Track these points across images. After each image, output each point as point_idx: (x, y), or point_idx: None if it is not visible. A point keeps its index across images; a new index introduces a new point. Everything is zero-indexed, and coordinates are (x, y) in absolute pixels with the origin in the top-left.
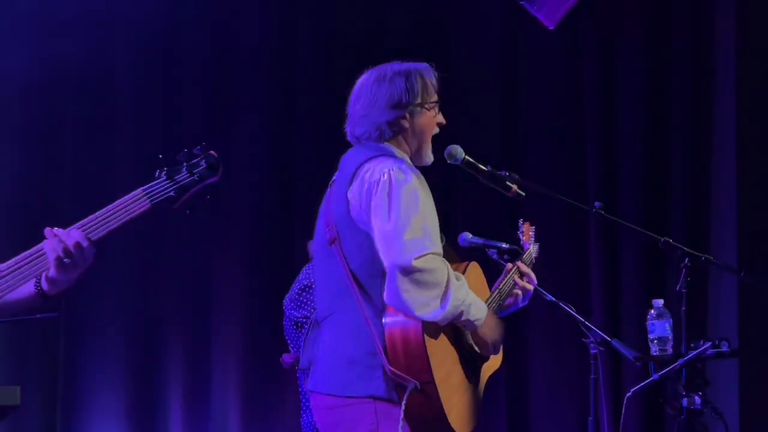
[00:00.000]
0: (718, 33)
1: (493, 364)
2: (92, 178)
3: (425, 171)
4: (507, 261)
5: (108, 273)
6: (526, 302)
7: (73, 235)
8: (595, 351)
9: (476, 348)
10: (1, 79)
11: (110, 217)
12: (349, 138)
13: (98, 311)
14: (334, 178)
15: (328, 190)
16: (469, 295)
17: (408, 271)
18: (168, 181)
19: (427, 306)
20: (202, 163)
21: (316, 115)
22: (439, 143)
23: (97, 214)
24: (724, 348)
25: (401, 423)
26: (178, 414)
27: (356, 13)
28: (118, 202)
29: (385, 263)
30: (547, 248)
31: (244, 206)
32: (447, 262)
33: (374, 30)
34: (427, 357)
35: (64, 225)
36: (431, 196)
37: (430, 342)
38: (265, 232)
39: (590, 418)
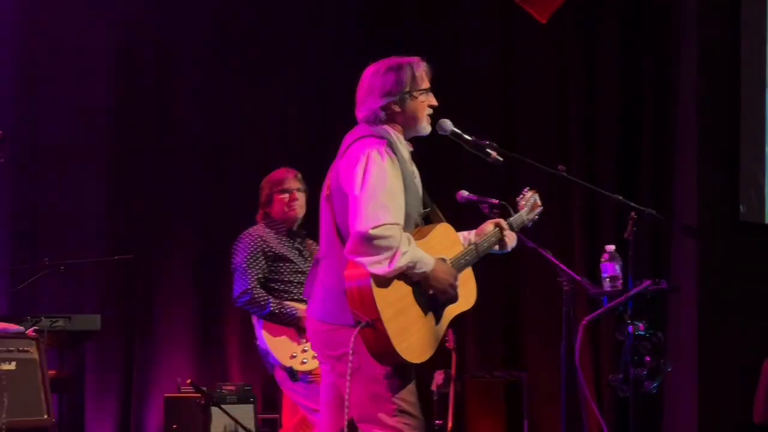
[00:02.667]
0: (682, 25)
1: (461, 305)
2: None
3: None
4: (496, 215)
5: (177, 217)
6: (506, 252)
7: None
8: (567, 288)
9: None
10: None
11: None
12: (357, 119)
13: (169, 252)
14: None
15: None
16: (415, 255)
17: (365, 237)
18: None
19: (378, 264)
20: None
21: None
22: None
23: None
24: (663, 285)
25: (352, 349)
26: (235, 344)
27: (376, 11)
28: None
29: (350, 226)
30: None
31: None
32: (401, 230)
33: (394, 28)
34: (374, 299)
35: None
36: (399, 176)
37: (378, 287)
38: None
39: (563, 343)
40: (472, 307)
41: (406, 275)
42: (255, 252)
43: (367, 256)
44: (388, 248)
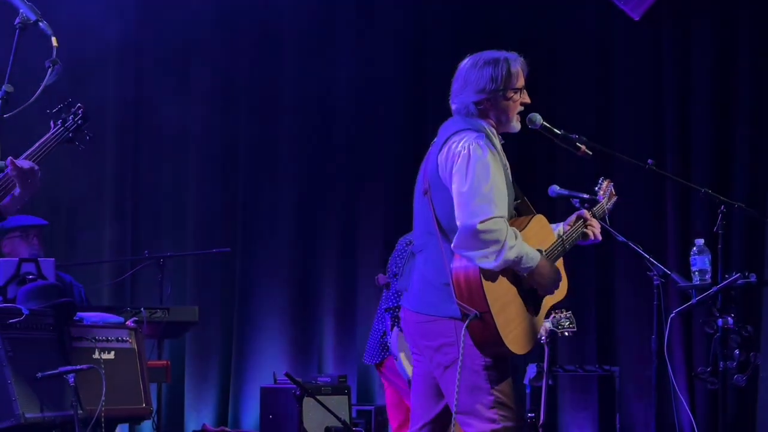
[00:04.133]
0: None
1: (555, 296)
2: None
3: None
4: (588, 209)
5: (276, 211)
6: (593, 243)
7: (26, 163)
8: (657, 282)
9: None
10: None
11: (40, 150)
12: (451, 109)
13: (267, 246)
14: (434, 140)
15: (429, 149)
16: (522, 249)
17: (474, 230)
18: (63, 129)
19: (485, 258)
20: (80, 113)
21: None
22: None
23: (33, 148)
24: (752, 279)
25: (463, 342)
26: (331, 336)
27: (477, 11)
28: (42, 140)
29: (458, 220)
30: (634, 201)
31: (384, 158)
32: (507, 223)
33: (490, 25)
34: (484, 293)
35: None
36: (501, 168)
37: (486, 281)
38: (405, 179)
39: (653, 336)
40: (565, 301)
41: (510, 269)
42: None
43: (475, 250)
44: (495, 242)
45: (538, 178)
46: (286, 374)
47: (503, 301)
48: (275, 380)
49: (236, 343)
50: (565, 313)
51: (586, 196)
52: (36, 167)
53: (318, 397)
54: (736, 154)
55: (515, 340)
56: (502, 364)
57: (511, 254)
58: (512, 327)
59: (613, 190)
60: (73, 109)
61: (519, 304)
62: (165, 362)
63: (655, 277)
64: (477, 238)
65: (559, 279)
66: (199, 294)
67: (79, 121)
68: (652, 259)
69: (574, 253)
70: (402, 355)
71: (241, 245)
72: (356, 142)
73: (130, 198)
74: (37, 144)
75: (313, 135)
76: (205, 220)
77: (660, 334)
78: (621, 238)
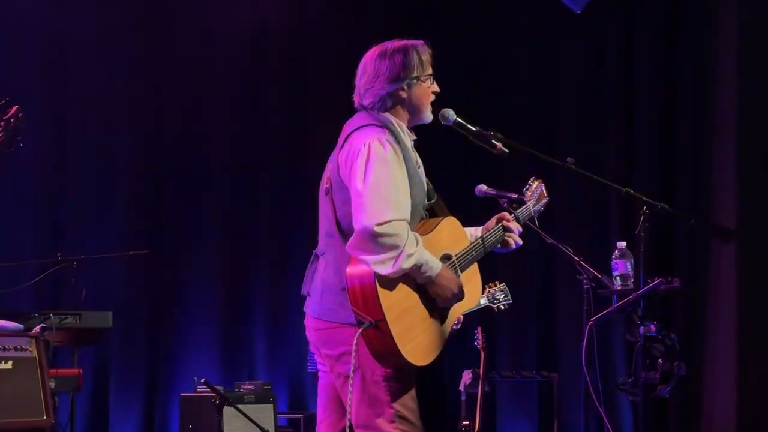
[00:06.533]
0: (721, 16)
1: (465, 305)
2: None
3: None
4: (515, 209)
5: (201, 216)
6: (514, 249)
7: None
8: (587, 286)
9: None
10: None
11: None
12: (356, 106)
13: (195, 246)
14: (339, 137)
15: (335, 147)
16: (422, 257)
17: (370, 234)
18: None
19: (381, 263)
20: (20, 115)
21: None
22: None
23: None
24: (676, 284)
25: (355, 351)
26: (263, 343)
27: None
28: None
29: (354, 222)
30: (578, 202)
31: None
32: (408, 228)
33: (421, 18)
34: (378, 300)
35: None
36: (403, 168)
37: (382, 288)
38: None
39: (583, 343)
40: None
41: (410, 275)
42: None
43: (370, 254)
44: (393, 247)
45: (476, 178)
46: (204, 381)
47: (402, 308)
48: (196, 388)
49: (163, 350)
50: (498, 285)
51: (514, 196)
52: None
53: (240, 405)
54: (680, 156)
55: (414, 351)
56: (404, 376)
57: (408, 262)
58: (412, 336)
59: (544, 191)
60: (10, 111)
61: (421, 311)
62: (77, 370)
63: (584, 281)
64: (373, 242)
65: (459, 292)
66: (125, 298)
67: (16, 122)
68: (581, 262)
69: (514, 255)
70: None
71: (167, 246)
72: (293, 149)
73: (52, 196)
74: None
75: (246, 138)
76: (130, 219)
77: (590, 341)
78: (550, 240)
